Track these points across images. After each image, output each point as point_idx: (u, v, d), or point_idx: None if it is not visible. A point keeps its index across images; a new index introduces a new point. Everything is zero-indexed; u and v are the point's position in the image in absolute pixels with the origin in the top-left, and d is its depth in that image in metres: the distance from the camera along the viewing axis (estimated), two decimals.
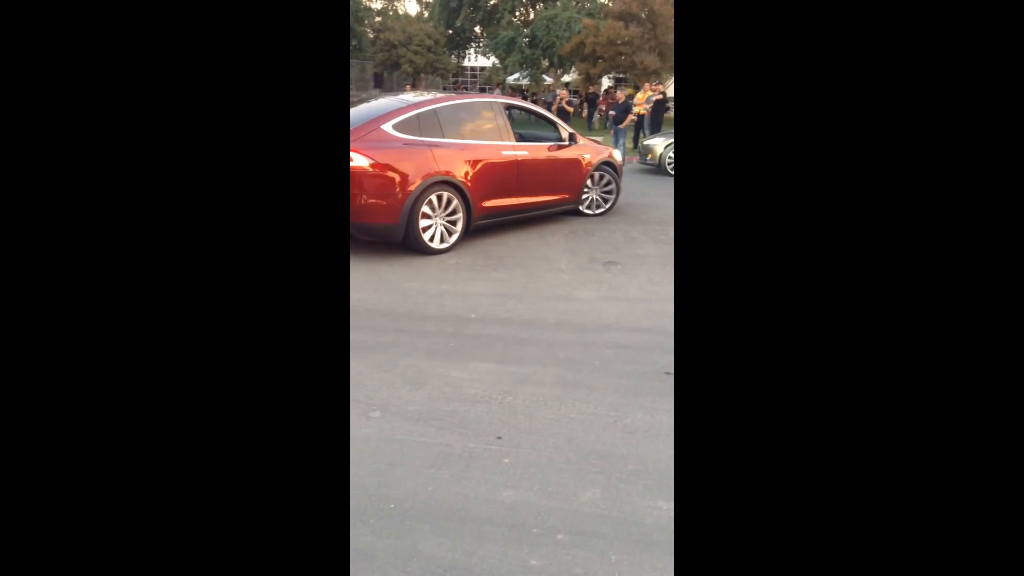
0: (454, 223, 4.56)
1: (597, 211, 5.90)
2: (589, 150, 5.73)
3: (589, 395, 2.40)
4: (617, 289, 3.82)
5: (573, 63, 17.87)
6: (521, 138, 5.48)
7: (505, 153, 4.96)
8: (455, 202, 4.51)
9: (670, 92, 14.60)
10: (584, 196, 5.77)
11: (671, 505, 1.73)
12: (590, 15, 18.47)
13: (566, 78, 20.26)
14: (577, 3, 20.23)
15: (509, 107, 5.45)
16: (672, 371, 2.62)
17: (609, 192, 5.94)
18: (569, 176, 5.54)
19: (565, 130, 5.53)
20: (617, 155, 6.14)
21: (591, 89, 17.38)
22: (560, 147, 5.43)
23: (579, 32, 16.74)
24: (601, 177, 5.88)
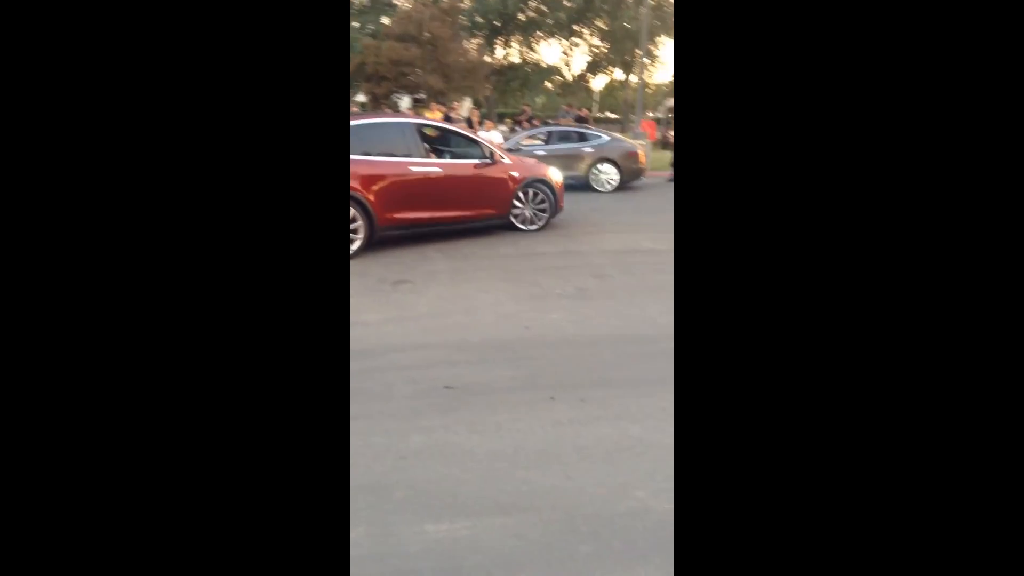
0: (355, 231, 4.92)
1: (531, 227, 6.08)
2: (518, 168, 6.00)
3: (365, 426, 2.28)
4: (405, 308, 3.76)
5: (359, 84, 17.61)
6: (447, 155, 5.88)
7: (414, 169, 5.32)
8: (353, 212, 4.85)
9: (463, 112, 15.10)
10: (516, 212, 6.01)
11: (438, 527, 1.70)
12: (372, 36, 18.39)
13: (359, 98, 19.91)
14: (360, 24, 20.02)
15: (421, 126, 5.79)
16: (450, 385, 2.63)
17: (543, 208, 6.12)
18: (494, 192, 5.84)
19: (488, 148, 5.88)
20: (554, 174, 6.27)
21: (384, 109, 17.28)
22: (487, 165, 5.77)
23: (360, 52, 16.56)
24: (535, 194, 6.08)
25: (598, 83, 29.64)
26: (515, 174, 5.94)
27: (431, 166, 5.53)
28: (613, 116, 31.39)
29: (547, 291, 4.12)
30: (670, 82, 29.15)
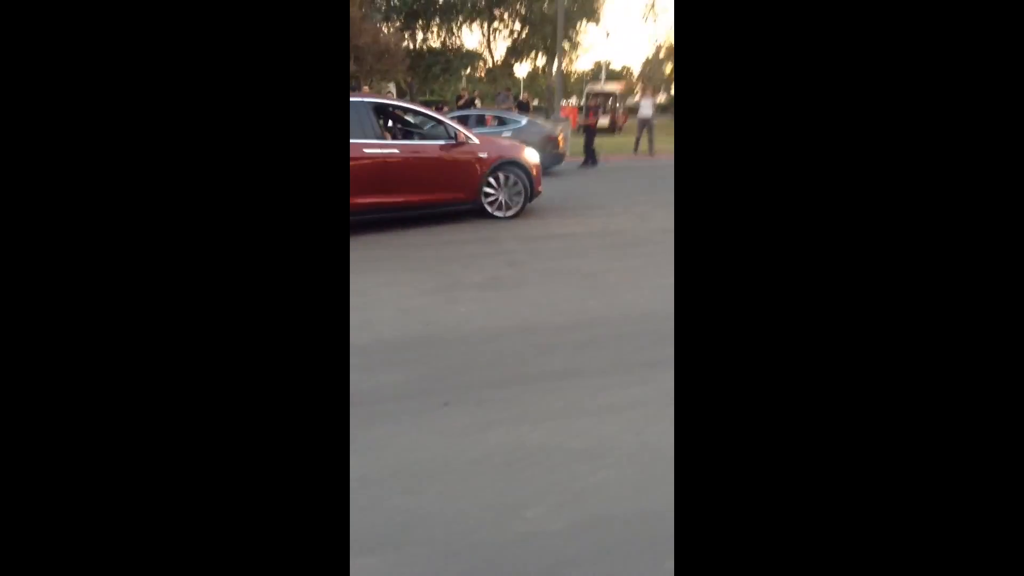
0: None
1: (506, 213, 5.66)
2: (487, 149, 5.53)
3: None
4: None
5: None
6: (408, 136, 5.58)
7: (369, 152, 4.95)
8: None
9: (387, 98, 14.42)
10: (490, 197, 5.64)
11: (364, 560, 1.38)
12: None
13: None
14: None
15: (379, 107, 5.44)
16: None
17: (518, 193, 5.69)
18: (461, 175, 5.46)
19: (452, 129, 5.50)
20: (529, 155, 5.81)
21: None
22: (452, 146, 5.39)
23: None
24: (507, 178, 5.64)
25: (522, 69, 29.45)
26: (484, 156, 5.55)
27: (388, 148, 5.14)
28: (535, 103, 31.35)
29: (457, 281, 3.83)
30: (592, 68, 29.39)
